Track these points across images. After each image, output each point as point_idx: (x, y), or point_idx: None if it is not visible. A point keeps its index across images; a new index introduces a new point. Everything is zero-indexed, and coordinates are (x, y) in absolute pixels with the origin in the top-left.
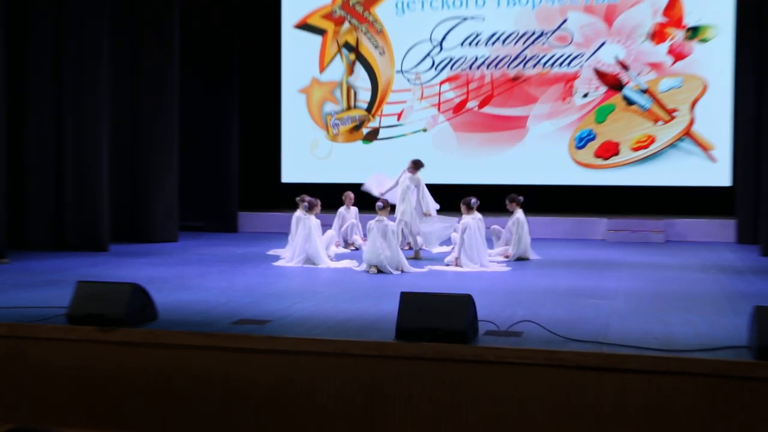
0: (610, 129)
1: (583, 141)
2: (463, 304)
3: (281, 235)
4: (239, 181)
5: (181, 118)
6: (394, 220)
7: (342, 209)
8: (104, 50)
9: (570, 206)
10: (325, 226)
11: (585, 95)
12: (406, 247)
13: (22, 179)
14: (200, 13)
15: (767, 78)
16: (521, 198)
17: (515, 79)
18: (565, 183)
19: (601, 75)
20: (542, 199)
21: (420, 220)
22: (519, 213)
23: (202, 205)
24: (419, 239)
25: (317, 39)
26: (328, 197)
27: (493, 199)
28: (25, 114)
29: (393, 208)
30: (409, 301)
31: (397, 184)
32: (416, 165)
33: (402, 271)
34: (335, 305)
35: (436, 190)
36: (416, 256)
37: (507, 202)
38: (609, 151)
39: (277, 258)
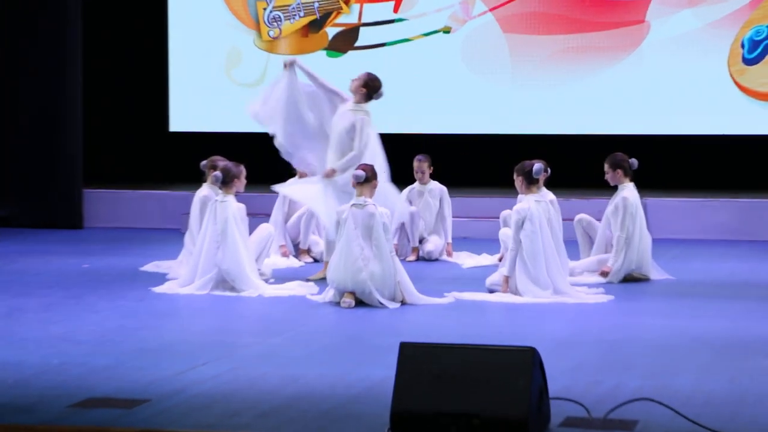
0: None
1: (759, 48)
2: (522, 367)
3: (170, 234)
4: (85, 132)
5: None
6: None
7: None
8: None
9: (731, 177)
10: (259, 216)
11: None
12: (412, 257)
13: None
14: None
15: None
16: (634, 161)
17: None
18: (721, 131)
19: None
20: (677, 164)
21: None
22: (628, 190)
23: (11, 180)
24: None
25: None
26: (263, 162)
27: (579, 165)
28: None
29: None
30: (417, 361)
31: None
32: (370, 86)
33: (403, 303)
34: (274, 371)
35: (466, 145)
36: (449, 253)
37: (606, 168)
38: None
39: (162, 278)
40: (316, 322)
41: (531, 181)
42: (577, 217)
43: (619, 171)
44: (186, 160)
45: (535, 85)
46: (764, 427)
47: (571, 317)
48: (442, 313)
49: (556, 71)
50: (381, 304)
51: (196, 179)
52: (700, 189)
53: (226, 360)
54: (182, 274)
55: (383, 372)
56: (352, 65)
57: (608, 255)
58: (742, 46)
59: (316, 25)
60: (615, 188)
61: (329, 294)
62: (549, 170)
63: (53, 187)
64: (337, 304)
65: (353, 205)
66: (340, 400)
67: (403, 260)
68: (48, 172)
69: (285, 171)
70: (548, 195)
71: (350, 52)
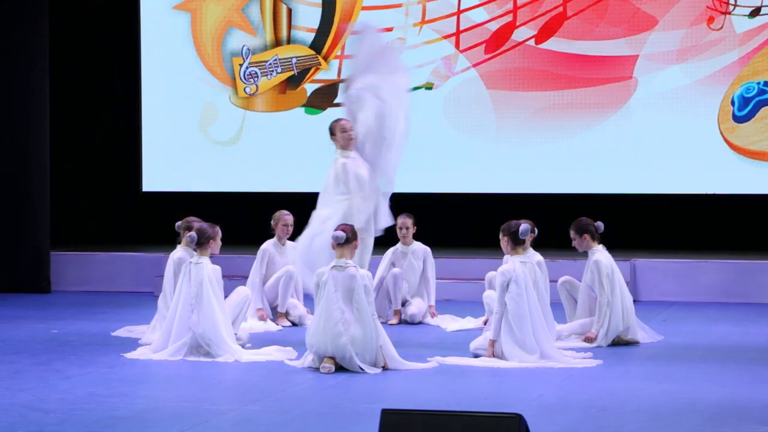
0: None
1: (749, 105)
2: None
3: (142, 298)
4: (53, 192)
5: None
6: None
7: (269, 245)
8: None
9: (722, 238)
10: (235, 278)
11: (755, 12)
12: (394, 320)
13: None
14: None
15: None
16: (600, 224)
17: None
18: (711, 191)
19: None
20: (666, 224)
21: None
22: (599, 253)
23: None
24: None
25: None
26: (239, 222)
27: (566, 225)
28: None
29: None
30: (399, 429)
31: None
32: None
33: (384, 368)
34: None
35: (449, 204)
36: (432, 314)
37: (572, 234)
38: None
39: (134, 343)
40: (294, 388)
41: (517, 242)
42: (561, 279)
43: (586, 236)
44: (159, 220)
45: (520, 142)
46: None
47: (558, 382)
48: (425, 378)
49: (542, 128)
50: (362, 369)
51: (169, 241)
52: (690, 250)
53: (201, 428)
54: (155, 339)
55: None
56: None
57: (592, 318)
58: (732, 103)
59: (294, 82)
60: (585, 253)
61: (308, 359)
62: (536, 231)
63: (19, 250)
64: (317, 369)
65: (333, 267)
66: None
67: (384, 323)
68: (13, 233)
69: (262, 231)
70: (535, 256)
71: (329, 109)
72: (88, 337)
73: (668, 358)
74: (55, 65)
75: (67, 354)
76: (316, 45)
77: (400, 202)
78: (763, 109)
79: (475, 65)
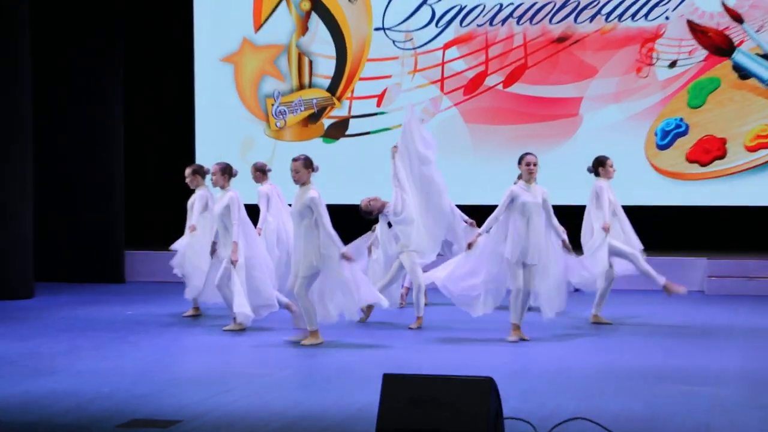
0: (713, 117)
1: (669, 136)
2: (482, 393)
3: None
4: (126, 202)
5: (35, 108)
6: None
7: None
8: None
9: (649, 239)
10: None
11: (672, 64)
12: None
13: None
14: None
15: None
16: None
17: (561, 39)
18: (639, 203)
19: (697, 31)
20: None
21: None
22: None
23: (65, 241)
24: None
25: None
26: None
27: None
28: None
29: None
30: (397, 389)
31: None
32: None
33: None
34: (283, 396)
35: None
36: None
37: None
38: (710, 152)
39: (192, 321)
40: (316, 358)
41: None
42: None
43: None
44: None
45: (492, 165)
46: None
47: (519, 353)
48: (419, 348)
49: (509, 154)
50: None
51: None
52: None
53: (244, 388)
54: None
55: (370, 398)
56: (344, 149)
57: None
58: (656, 134)
59: (314, 117)
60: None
61: None
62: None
63: (100, 249)
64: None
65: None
66: (335, 420)
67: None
68: (96, 235)
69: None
70: None
71: (342, 139)
72: (156, 317)
73: (607, 333)
74: (128, 108)
75: (139, 330)
76: (332, 88)
77: None
78: (679, 139)
79: (456, 104)
